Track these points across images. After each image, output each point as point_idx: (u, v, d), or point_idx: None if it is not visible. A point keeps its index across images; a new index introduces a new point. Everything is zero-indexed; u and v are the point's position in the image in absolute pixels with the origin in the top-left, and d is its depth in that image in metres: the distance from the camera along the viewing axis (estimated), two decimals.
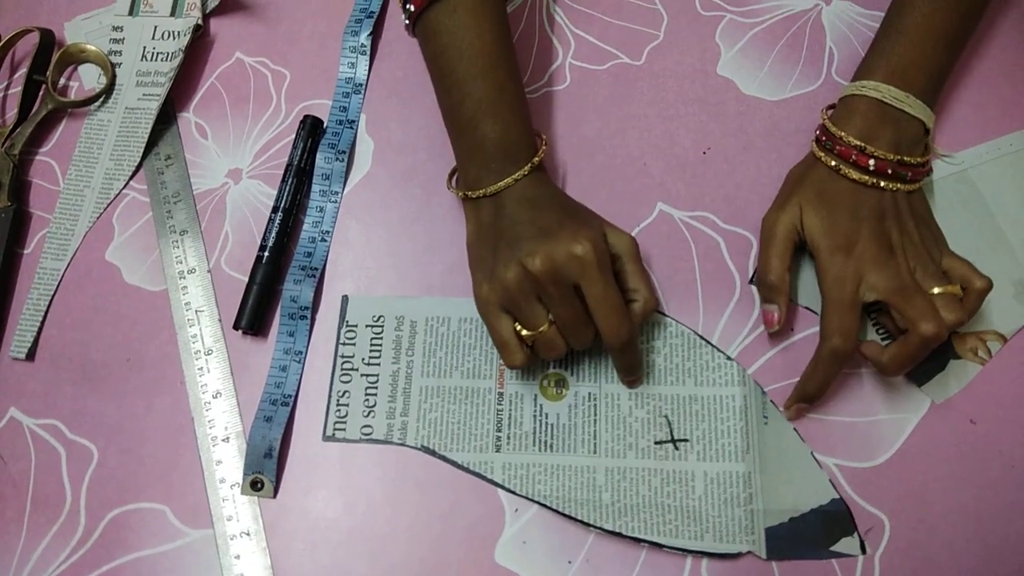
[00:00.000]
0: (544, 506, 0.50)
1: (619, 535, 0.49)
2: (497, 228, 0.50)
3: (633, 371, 0.51)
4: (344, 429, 0.53)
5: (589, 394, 0.53)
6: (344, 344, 0.56)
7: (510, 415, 0.53)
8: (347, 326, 0.56)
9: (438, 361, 0.55)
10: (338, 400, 0.54)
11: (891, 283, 0.47)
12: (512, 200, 0.50)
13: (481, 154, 0.51)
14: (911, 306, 0.47)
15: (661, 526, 0.49)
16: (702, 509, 0.49)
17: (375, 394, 0.54)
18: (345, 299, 0.57)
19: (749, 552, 0.48)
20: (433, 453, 0.52)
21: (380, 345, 0.55)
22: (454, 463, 0.52)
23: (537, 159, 0.51)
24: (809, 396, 0.50)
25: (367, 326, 0.56)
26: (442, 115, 0.54)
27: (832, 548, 0.48)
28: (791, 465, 0.50)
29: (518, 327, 0.49)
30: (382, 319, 0.56)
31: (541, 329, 0.48)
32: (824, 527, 0.49)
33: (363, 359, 0.55)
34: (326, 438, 0.53)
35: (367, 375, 0.55)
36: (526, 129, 0.52)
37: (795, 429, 0.51)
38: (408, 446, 0.53)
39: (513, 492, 0.51)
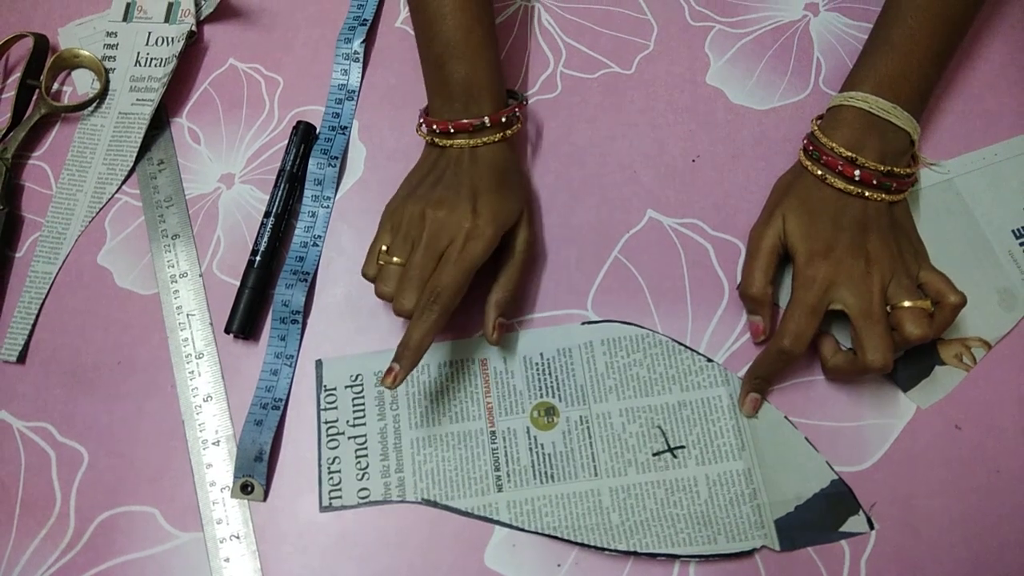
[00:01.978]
0: (556, 538, 0.50)
1: (633, 554, 0.49)
2: (436, 164, 0.54)
3: (406, 350, 0.47)
4: (340, 496, 0.52)
5: (581, 417, 0.53)
6: (325, 409, 0.54)
7: (506, 452, 0.52)
8: (325, 390, 0.55)
9: (424, 410, 0.54)
10: (329, 468, 0.53)
11: (859, 302, 0.48)
12: (458, 147, 0.53)
13: (446, 92, 0.53)
14: (868, 334, 0.47)
15: (673, 536, 0.49)
16: (710, 512, 0.50)
17: (366, 455, 0.53)
18: (319, 364, 0.55)
19: (763, 547, 0.49)
20: (435, 505, 0.51)
21: (363, 405, 0.54)
22: (458, 511, 0.51)
23: (510, 132, 0.54)
24: (756, 387, 0.51)
25: (346, 387, 0.55)
26: (417, 46, 0.57)
27: (841, 529, 0.49)
28: (788, 454, 0.51)
29: (385, 248, 0.51)
30: (360, 378, 0.55)
31: (395, 259, 0.50)
32: (830, 509, 0.49)
33: (348, 421, 0.54)
34: (323, 509, 0.52)
35: (354, 437, 0.53)
36: (491, 72, 0.54)
37: (787, 417, 0.52)
38: (409, 502, 0.52)
39: (522, 529, 0.50)
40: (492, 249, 0.50)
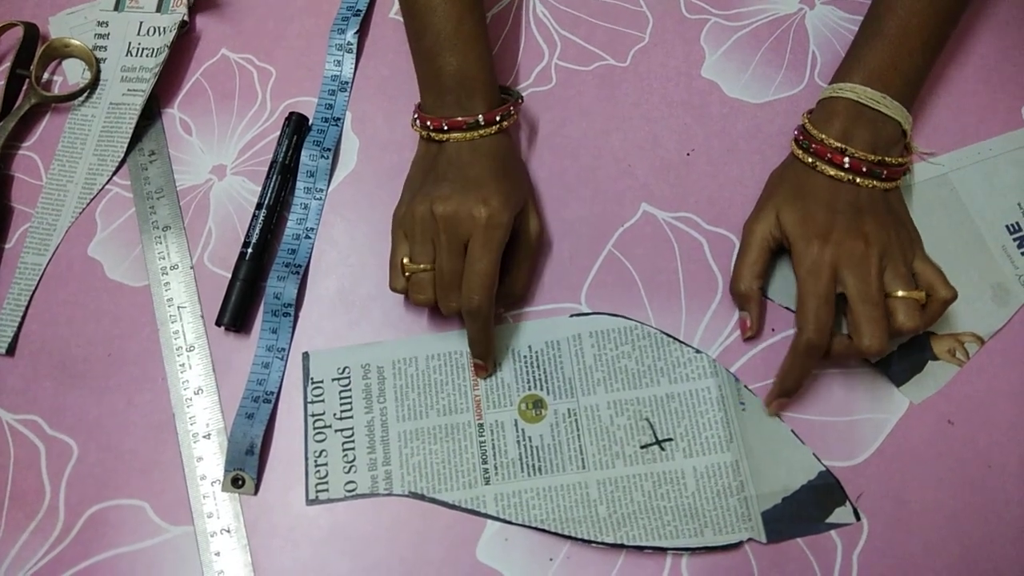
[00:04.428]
0: (548, 532, 0.50)
1: (621, 547, 0.49)
2: (436, 160, 0.53)
3: (477, 347, 0.52)
4: (327, 490, 0.52)
5: (569, 410, 0.53)
6: (312, 402, 0.54)
7: (494, 445, 0.52)
8: (312, 383, 0.54)
9: (412, 403, 0.54)
10: (316, 460, 0.52)
11: (859, 285, 0.48)
12: (456, 140, 0.52)
13: (438, 86, 0.53)
14: (866, 318, 0.47)
15: (660, 529, 0.49)
16: (697, 505, 0.50)
17: (353, 448, 0.53)
18: (306, 356, 0.55)
19: (750, 539, 0.49)
20: (423, 498, 0.51)
21: (350, 397, 0.54)
22: (445, 503, 0.51)
23: (506, 123, 0.53)
24: (788, 390, 0.50)
25: (333, 380, 0.54)
26: (408, 40, 0.56)
27: (828, 521, 0.49)
28: (775, 446, 0.51)
29: (406, 259, 0.51)
30: (347, 370, 0.55)
31: (421, 266, 0.50)
32: (816, 501, 0.49)
33: (334, 414, 0.54)
34: (310, 502, 0.51)
35: (341, 430, 0.53)
36: (483, 65, 0.53)
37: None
38: (396, 495, 0.51)
39: (509, 522, 0.50)
40: (509, 233, 0.50)
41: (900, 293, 0.48)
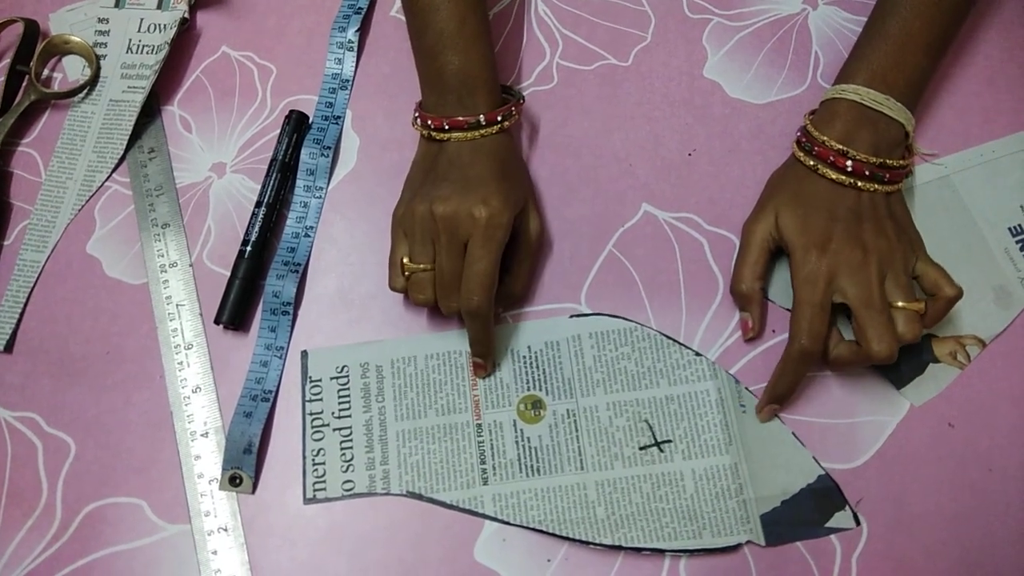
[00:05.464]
0: (546, 533, 0.50)
1: (619, 548, 0.49)
2: (436, 160, 0.53)
3: (477, 346, 0.52)
4: (324, 488, 0.52)
5: (568, 411, 0.52)
6: (311, 401, 0.54)
7: (492, 445, 0.52)
8: (311, 382, 0.54)
9: (410, 403, 0.53)
10: (314, 459, 0.52)
11: (860, 292, 0.47)
12: (457, 140, 0.52)
13: (440, 85, 0.53)
14: (872, 324, 0.47)
15: (659, 531, 0.49)
16: (696, 507, 0.49)
17: (351, 447, 0.53)
18: (305, 354, 0.55)
19: (749, 541, 0.48)
20: (420, 497, 0.51)
21: (348, 396, 0.54)
22: (443, 503, 0.51)
23: (508, 123, 0.53)
24: (779, 397, 0.50)
25: (332, 379, 0.54)
26: (409, 38, 0.56)
27: (827, 525, 0.49)
28: (775, 449, 0.50)
29: (406, 258, 0.51)
30: (346, 369, 0.55)
31: (421, 266, 0.50)
32: (816, 505, 0.49)
33: (333, 413, 0.54)
34: (307, 501, 0.51)
35: (339, 429, 0.53)
36: (485, 64, 0.53)
37: (776, 413, 0.51)
38: (393, 494, 0.51)
39: (507, 523, 0.50)
40: (509, 234, 0.50)
41: (900, 304, 0.48)
